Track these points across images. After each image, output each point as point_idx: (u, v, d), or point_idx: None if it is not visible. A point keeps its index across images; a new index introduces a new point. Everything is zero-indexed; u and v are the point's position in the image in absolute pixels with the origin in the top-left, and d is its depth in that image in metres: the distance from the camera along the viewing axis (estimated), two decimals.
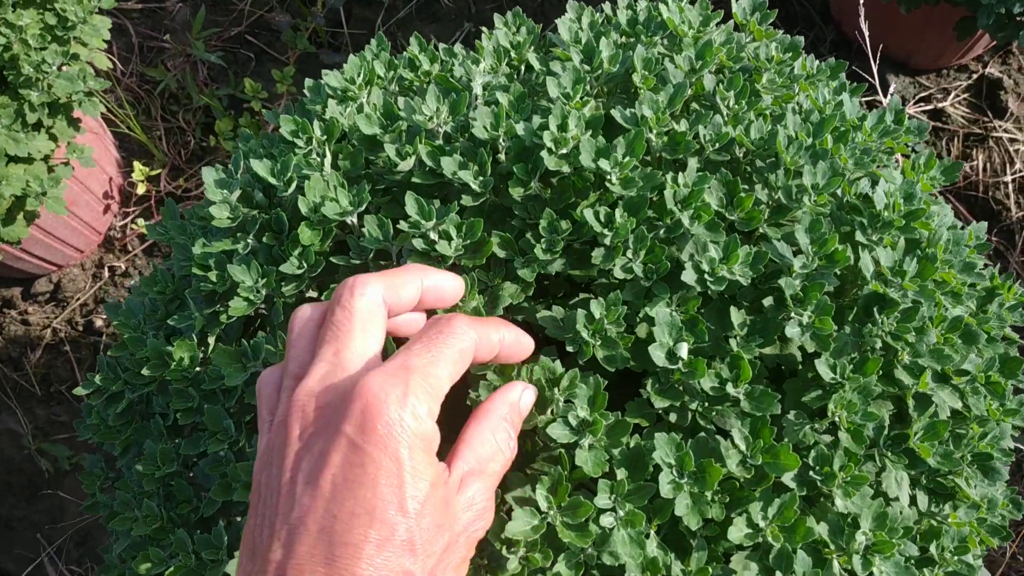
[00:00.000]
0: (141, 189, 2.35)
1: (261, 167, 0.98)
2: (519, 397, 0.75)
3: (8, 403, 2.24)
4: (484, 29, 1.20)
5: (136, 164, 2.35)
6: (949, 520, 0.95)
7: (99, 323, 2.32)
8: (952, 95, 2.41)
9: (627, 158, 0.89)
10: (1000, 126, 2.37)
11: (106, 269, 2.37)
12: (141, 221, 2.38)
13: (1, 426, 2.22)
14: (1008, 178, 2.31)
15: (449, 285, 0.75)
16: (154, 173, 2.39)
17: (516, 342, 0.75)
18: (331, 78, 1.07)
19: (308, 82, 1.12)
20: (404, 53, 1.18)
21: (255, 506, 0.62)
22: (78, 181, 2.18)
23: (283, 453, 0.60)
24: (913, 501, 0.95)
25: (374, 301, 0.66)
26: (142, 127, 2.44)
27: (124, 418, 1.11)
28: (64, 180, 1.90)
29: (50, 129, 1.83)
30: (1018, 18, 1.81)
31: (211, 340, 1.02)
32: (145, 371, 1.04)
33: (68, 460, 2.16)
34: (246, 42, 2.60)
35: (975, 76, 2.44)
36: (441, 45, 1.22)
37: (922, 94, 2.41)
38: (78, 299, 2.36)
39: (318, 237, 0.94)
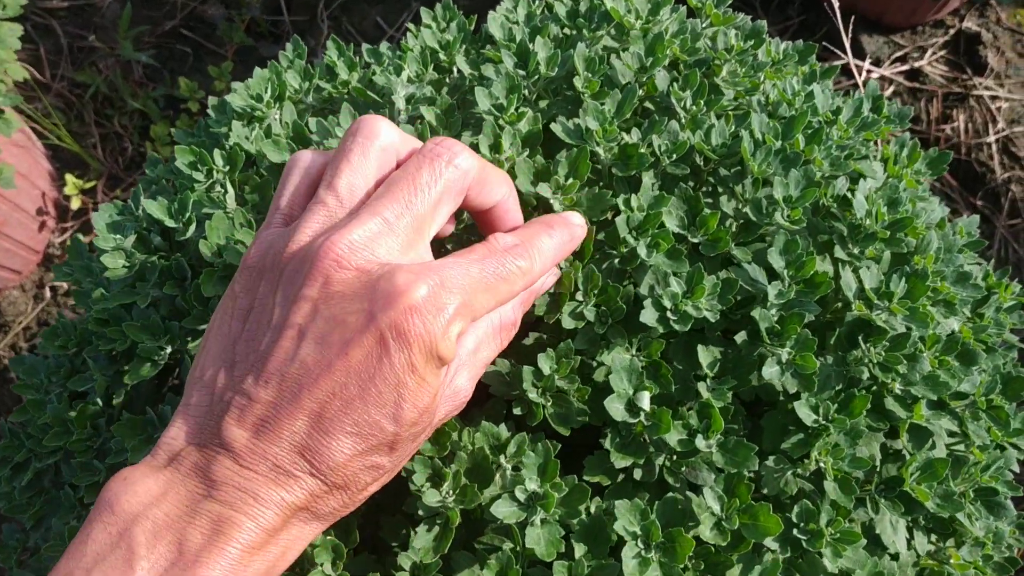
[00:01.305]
0: (76, 203, 2.21)
1: (156, 207, 0.86)
2: (540, 284, 0.71)
3: None
4: (411, 27, 1.07)
5: (68, 177, 2.20)
6: (951, 561, 0.85)
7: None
8: (929, 53, 2.29)
9: (570, 180, 0.77)
10: (980, 83, 2.25)
11: (47, 289, 2.24)
12: (81, 236, 2.24)
13: None
14: (991, 138, 2.21)
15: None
16: (89, 185, 2.24)
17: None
18: (235, 96, 0.94)
19: (212, 100, 0.99)
20: (322, 58, 1.05)
21: (238, 311, 0.59)
22: (6, 200, 2.04)
23: (297, 292, 0.56)
24: (911, 543, 0.84)
25: (467, 178, 0.61)
26: (75, 135, 2.29)
27: (32, 489, 0.99)
28: None
29: None
30: None
31: (117, 403, 0.90)
32: (48, 441, 0.92)
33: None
34: (181, 37, 2.44)
35: (952, 32, 2.32)
36: (365, 46, 1.08)
37: (897, 54, 2.29)
38: (20, 323, 2.23)
39: (224, 286, 0.82)
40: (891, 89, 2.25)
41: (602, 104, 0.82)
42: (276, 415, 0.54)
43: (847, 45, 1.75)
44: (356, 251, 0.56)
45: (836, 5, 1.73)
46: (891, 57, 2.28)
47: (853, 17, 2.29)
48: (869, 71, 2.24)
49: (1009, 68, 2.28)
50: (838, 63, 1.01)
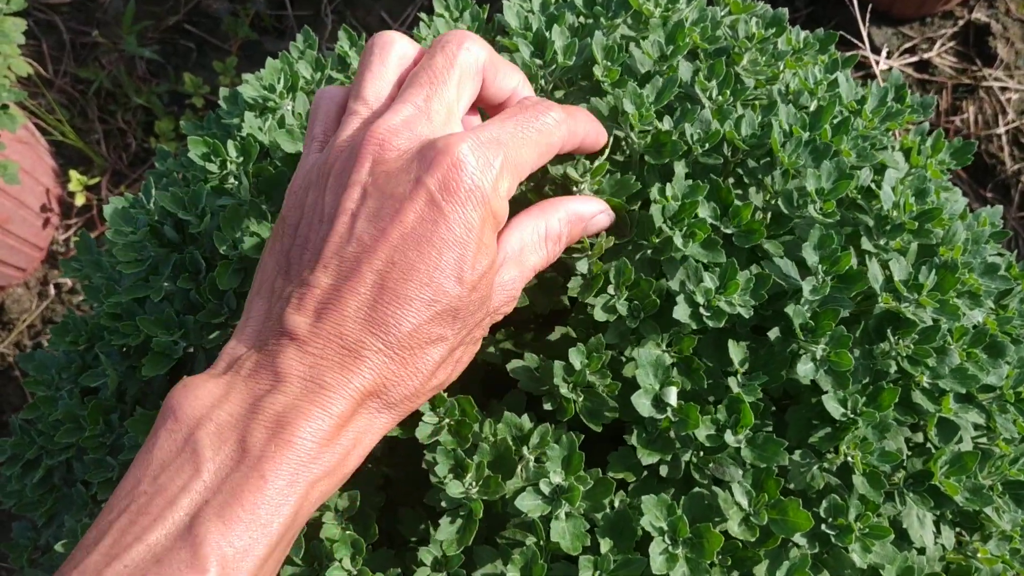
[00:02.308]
0: (80, 200, 2.19)
1: (168, 200, 0.84)
2: (590, 214, 0.70)
3: None
4: (423, 17, 1.05)
5: (73, 173, 2.19)
6: (979, 555, 0.84)
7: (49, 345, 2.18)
8: (938, 44, 2.28)
9: (596, 162, 0.75)
10: (990, 74, 2.24)
11: (52, 286, 2.22)
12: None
13: None
14: (1001, 129, 2.19)
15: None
16: (93, 181, 2.22)
17: (596, 137, 0.72)
18: (247, 87, 0.92)
19: (223, 91, 0.97)
20: (334, 49, 1.03)
21: (288, 228, 0.59)
22: (10, 197, 2.02)
23: (347, 180, 0.57)
24: (937, 536, 0.83)
25: (479, 60, 0.62)
26: (79, 131, 2.27)
27: (44, 487, 0.97)
28: None
29: None
30: None
31: (130, 398, 0.89)
32: (59, 437, 0.91)
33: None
34: (185, 32, 2.42)
35: (961, 23, 2.30)
36: None
37: (906, 45, 2.27)
38: (24, 320, 2.21)
39: (239, 279, 0.80)
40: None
41: (642, 89, 0.80)
42: (338, 294, 0.54)
43: (864, 34, 1.73)
44: (398, 133, 0.57)
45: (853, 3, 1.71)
46: (900, 48, 2.26)
47: (865, 7, 2.27)
48: (877, 62, 2.22)
49: (1019, 59, 2.26)
50: (856, 53, 1.00)
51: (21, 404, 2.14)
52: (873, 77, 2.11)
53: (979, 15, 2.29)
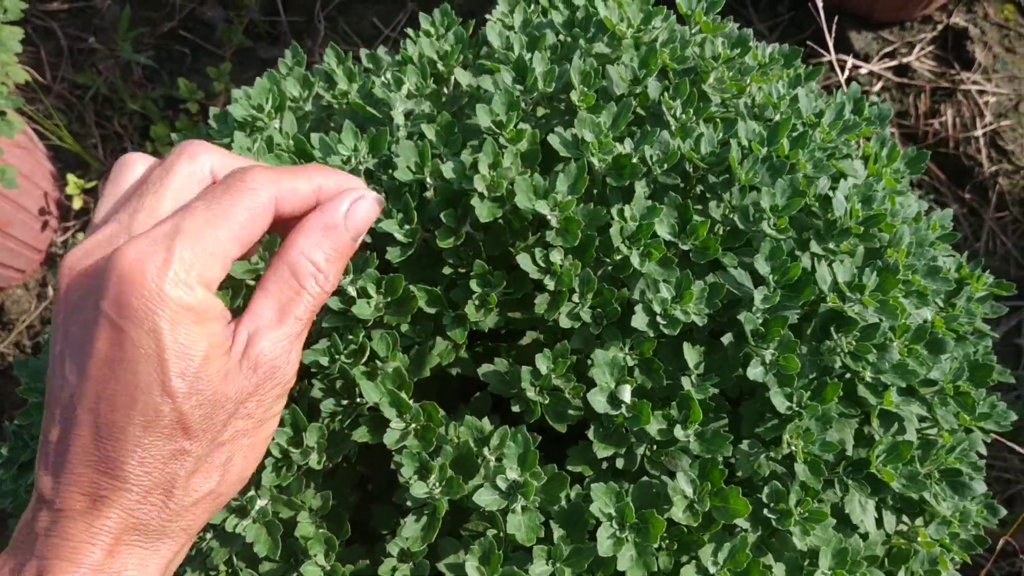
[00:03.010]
0: (78, 203, 2.24)
1: None
2: (342, 214, 0.60)
3: None
4: (410, 33, 1.10)
5: (70, 177, 2.23)
6: (919, 539, 0.89)
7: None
8: (917, 48, 2.33)
9: (568, 197, 0.80)
10: (968, 78, 2.29)
11: (51, 288, 2.26)
12: (81, 236, 2.27)
13: None
14: (979, 132, 2.24)
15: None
16: (90, 185, 2.27)
17: (338, 187, 0.61)
18: (237, 106, 0.97)
19: (213, 111, 1.02)
20: (321, 66, 1.08)
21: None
22: (9, 200, 2.07)
23: (55, 323, 0.55)
24: (880, 522, 0.88)
25: (203, 170, 0.58)
26: (76, 136, 2.31)
27: None
28: None
29: None
30: None
31: None
32: None
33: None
34: (180, 38, 2.47)
35: (940, 27, 2.35)
36: (364, 52, 1.12)
37: (886, 49, 2.32)
38: (24, 321, 2.26)
39: (226, 297, 0.85)
40: (880, 84, 2.29)
41: (598, 116, 0.85)
42: (65, 444, 0.52)
43: (831, 44, 1.78)
44: (84, 257, 0.54)
45: (820, 5, 1.76)
46: (880, 53, 2.31)
47: (837, 16, 2.32)
48: (857, 67, 2.27)
49: (996, 62, 2.31)
50: (823, 62, 1.05)
51: (22, 402, 2.19)
52: (838, 86, 2.16)
53: (958, 19, 2.34)
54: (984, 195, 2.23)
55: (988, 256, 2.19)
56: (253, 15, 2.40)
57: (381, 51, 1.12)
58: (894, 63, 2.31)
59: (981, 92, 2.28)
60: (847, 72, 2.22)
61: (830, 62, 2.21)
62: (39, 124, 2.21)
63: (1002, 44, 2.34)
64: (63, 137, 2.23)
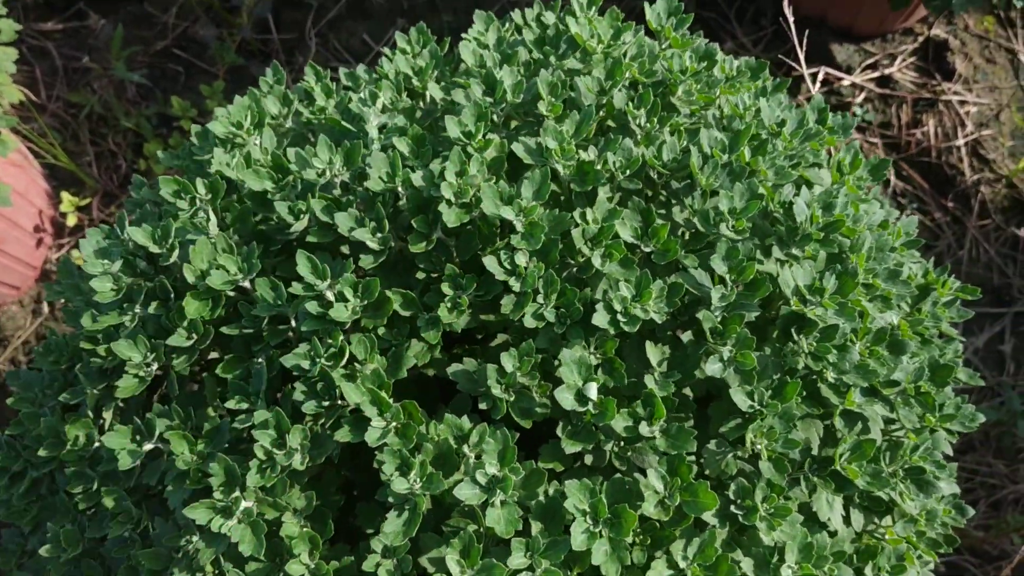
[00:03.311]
0: (72, 220, 2.27)
1: (140, 234, 0.91)
2: None
3: None
4: (386, 52, 1.13)
5: (65, 195, 2.27)
6: (886, 537, 0.92)
7: None
8: (899, 60, 2.36)
9: (532, 203, 0.83)
10: (949, 88, 2.32)
11: (45, 304, 2.29)
12: (76, 253, 2.30)
13: None
14: (960, 141, 2.27)
15: None
16: (84, 202, 2.30)
17: None
18: (217, 124, 1.00)
19: (195, 128, 1.05)
20: (300, 83, 1.11)
21: None
22: (4, 218, 2.10)
23: None
24: (848, 520, 0.91)
25: None
26: (71, 154, 2.35)
27: (29, 497, 1.05)
28: None
29: None
30: None
31: (107, 415, 0.96)
32: (42, 452, 0.98)
33: None
34: (173, 56, 2.51)
35: (921, 39, 2.38)
36: (343, 71, 1.15)
37: (868, 61, 2.35)
38: (19, 337, 2.28)
39: (206, 307, 0.88)
40: (862, 96, 2.32)
41: (561, 125, 0.88)
42: None
43: (802, 57, 1.82)
44: None
45: (792, 20, 1.80)
46: (862, 65, 2.35)
47: (819, 30, 2.36)
48: (838, 78, 2.30)
49: (977, 73, 2.35)
50: (803, 75, 1.08)
51: (14, 419, 2.21)
52: (810, 98, 2.19)
53: (938, 31, 2.38)
54: (967, 203, 2.26)
55: (971, 263, 2.21)
56: (245, 33, 2.44)
57: (360, 69, 1.15)
58: (876, 75, 2.34)
59: (962, 102, 2.31)
60: (817, 85, 2.26)
61: (812, 75, 2.24)
62: (34, 143, 2.24)
63: (982, 55, 2.38)
64: (57, 155, 2.26)
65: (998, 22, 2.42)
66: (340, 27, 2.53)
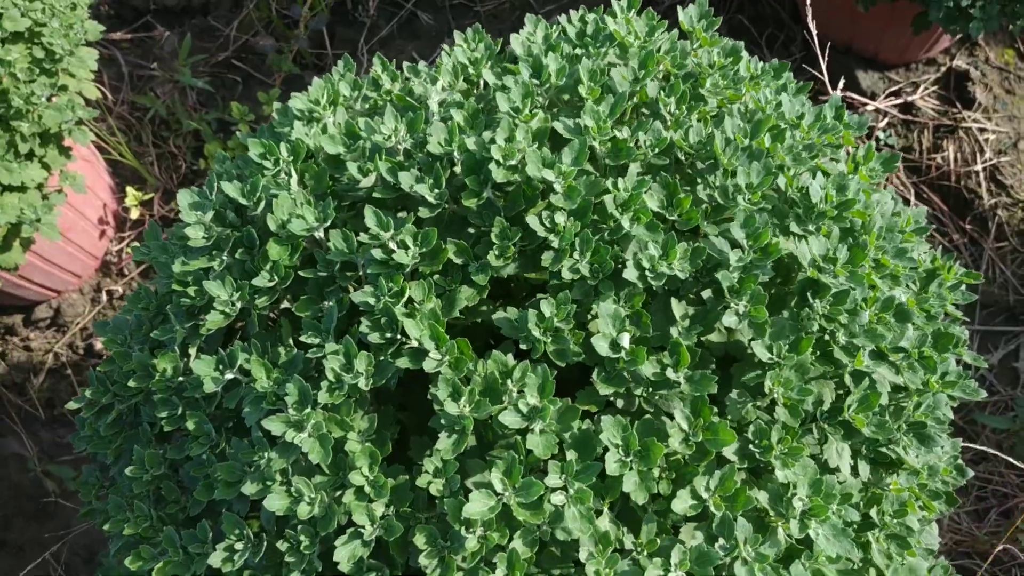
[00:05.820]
0: (135, 214, 2.42)
1: (232, 188, 1.04)
2: None
3: (13, 428, 2.30)
4: (445, 48, 1.26)
5: (129, 189, 2.42)
6: (891, 488, 1.01)
7: (99, 346, 2.39)
8: (921, 88, 2.47)
9: (571, 167, 0.95)
10: (969, 116, 2.42)
11: (104, 293, 2.44)
12: (136, 245, 2.44)
13: (7, 451, 2.28)
14: (979, 167, 2.37)
15: None
16: (147, 198, 2.46)
17: None
18: (297, 100, 1.13)
19: (276, 104, 1.18)
20: (368, 73, 1.24)
21: None
22: (72, 208, 2.25)
23: None
24: (856, 471, 1.00)
25: None
26: (134, 153, 2.51)
27: (114, 428, 1.17)
28: (57, 207, 1.97)
29: (42, 158, 1.90)
30: (968, 10, 1.87)
31: (192, 351, 1.08)
32: (131, 383, 1.10)
33: (73, 480, 2.22)
34: (233, 66, 2.67)
35: (943, 69, 2.49)
36: (405, 64, 1.28)
37: (892, 88, 2.46)
38: (78, 323, 2.42)
39: (287, 252, 1.00)
40: (885, 121, 2.43)
41: (598, 106, 1.00)
42: None
43: (824, 67, 1.92)
44: None
45: (819, 47, 1.92)
46: (886, 91, 2.46)
47: (846, 57, 2.47)
48: (864, 104, 2.41)
49: (996, 103, 2.45)
50: (810, 84, 1.19)
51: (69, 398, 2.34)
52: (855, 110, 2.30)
53: (960, 62, 2.49)
54: (984, 226, 2.35)
55: (988, 283, 2.30)
56: (302, 44, 2.60)
57: (421, 65, 1.28)
58: (899, 101, 2.45)
59: (981, 130, 2.41)
60: (837, 91, 2.36)
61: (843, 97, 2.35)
62: (102, 140, 2.40)
63: (1002, 86, 2.48)
64: (123, 153, 2.42)
65: (1018, 55, 2.52)
66: (390, 45, 2.68)
